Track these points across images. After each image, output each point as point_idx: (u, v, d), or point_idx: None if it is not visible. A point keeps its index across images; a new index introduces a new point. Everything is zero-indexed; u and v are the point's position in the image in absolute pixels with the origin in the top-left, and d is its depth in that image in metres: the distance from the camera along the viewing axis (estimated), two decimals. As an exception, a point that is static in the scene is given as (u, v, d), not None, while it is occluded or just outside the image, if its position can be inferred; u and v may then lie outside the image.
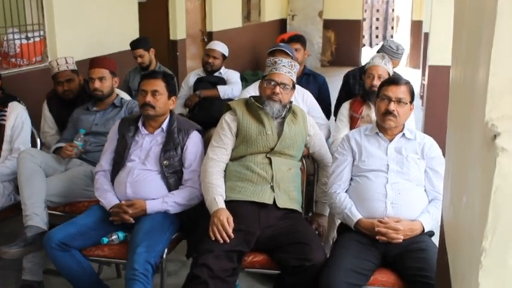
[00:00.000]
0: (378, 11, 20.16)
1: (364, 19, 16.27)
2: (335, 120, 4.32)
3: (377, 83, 3.78)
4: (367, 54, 14.22)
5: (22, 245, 3.25)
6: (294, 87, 3.31)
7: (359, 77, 4.55)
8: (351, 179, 3.08)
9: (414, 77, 10.97)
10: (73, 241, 3.02)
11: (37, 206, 3.36)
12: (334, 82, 6.07)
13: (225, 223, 2.87)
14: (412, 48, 14.14)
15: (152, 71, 4.49)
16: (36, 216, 3.33)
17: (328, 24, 14.35)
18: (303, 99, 4.23)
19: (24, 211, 3.35)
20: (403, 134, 3.08)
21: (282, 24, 14.03)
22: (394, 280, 2.75)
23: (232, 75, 5.45)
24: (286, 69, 3.24)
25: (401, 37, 16.24)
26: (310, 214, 3.44)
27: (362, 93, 4.16)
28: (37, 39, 5.44)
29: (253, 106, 3.23)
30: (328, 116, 4.59)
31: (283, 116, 3.24)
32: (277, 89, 3.19)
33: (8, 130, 3.79)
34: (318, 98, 4.44)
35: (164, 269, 3.08)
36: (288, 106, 3.27)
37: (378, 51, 4.78)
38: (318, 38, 14.10)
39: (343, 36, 14.49)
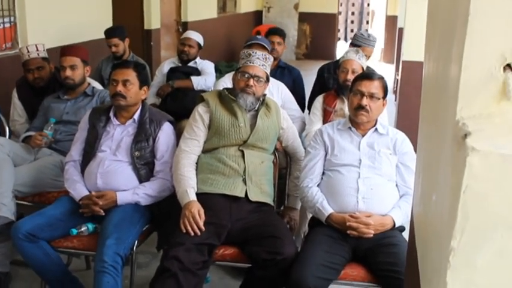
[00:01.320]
0: (353, 5, 20.21)
1: (339, 13, 16.32)
2: (309, 113, 4.33)
3: (351, 77, 3.79)
4: (342, 48, 14.26)
5: (-11, 236, 3.20)
6: (267, 80, 3.30)
7: (333, 71, 4.56)
8: (323, 173, 3.09)
9: (388, 72, 11.03)
10: (41, 232, 2.97)
11: (5, 196, 3.30)
12: (309, 75, 6.06)
13: (196, 216, 2.85)
14: (386, 43, 14.23)
15: (123, 61, 4.44)
16: (3, 207, 3.26)
17: (304, 17, 14.35)
18: (278, 91, 4.22)
19: (-8, 201, 3.29)
20: (376, 129, 3.09)
21: (257, 16, 14.00)
22: (364, 274, 2.77)
23: (207, 66, 5.41)
24: (260, 62, 3.23)
25: (376, 32, 16.32)
26: (281, 208, 3.44)
27: (336, 87, 4.17)
28: (7, 25, 5.33)
29: (227, 98, 3.21)
30: (302, 109, 4.59)
31: (256, 108, 3.23)
32: (251, 82, 3.17)
33: (-24, 118, 3.72)
34: (292, 91, 4.44)
35: (134, 261, 3.05)
36: (261, 99, 3.26)
37: (352, 42, 4.83)
38: (294, 30, 14.12)
39: (319, 29, 14.50)
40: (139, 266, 3.66)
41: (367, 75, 3.20)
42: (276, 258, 2.76)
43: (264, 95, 3.31)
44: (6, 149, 3.47)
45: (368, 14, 20.15)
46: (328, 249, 2.76)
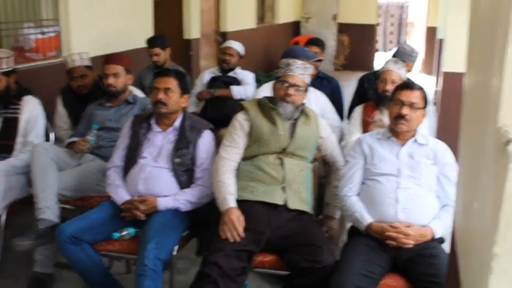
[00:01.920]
0: (392, 16, 20.07)
1: (378, 24, 16.22)
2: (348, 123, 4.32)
3: (390, 87, 3.78)
4: (380, 59, 14.16)
5: (34, 238, 3.29)
6: (307, 89, 3.32)
7: (373, 81, 4.55)
8: (362, 183, 3.08)
9: (428, 83, 10.91)
10: (84, 235, 3.03)
11: (49, 200, 3.39)
12: (347, 86, 6.05)
13: (235, 222, 2.88)
14: (426, 54, 14.08)
15: (165, 69, 4.51)
16: (48, 210, 3.36)
17: (343, 28, 14.30)
18: (316, 100, 4.22)
19: (37, 204, 3.39)
20: (415, 139, 3.08)
21: (295, 26, 14.02)
22: (403, 285, 2.74)
23: (247, 76, 5.45)
24: (300, 71, 3.25)
25: (415, 43, 16.18)
26: (320, 216, 3.44)
27: (375, 98, 4.16)
28: (52, 34, 5.49)
29: (266, 106, 3.24)
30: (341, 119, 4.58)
31: (295, 117, 3.25)
32: (290, 91, 3.20)
33: (23, 123, 3.82)
34: (330, 101, 4.44)
35: (174, 266, 3.10)
36: (300, 108, 3.28)
37: (394, 55, 4.79)
38: (332, 41, 14.06)
39: (357, 40, 14.41)
40: (178, 271, 3.69)
41: (408, 85, 3.20)
42: (314, 266, 2.76)
43: (303, 104, 3.33)
44: (50, 153, 3.56)
45: (407, 25, 19.99)
46: (367, 259, 2.75)
